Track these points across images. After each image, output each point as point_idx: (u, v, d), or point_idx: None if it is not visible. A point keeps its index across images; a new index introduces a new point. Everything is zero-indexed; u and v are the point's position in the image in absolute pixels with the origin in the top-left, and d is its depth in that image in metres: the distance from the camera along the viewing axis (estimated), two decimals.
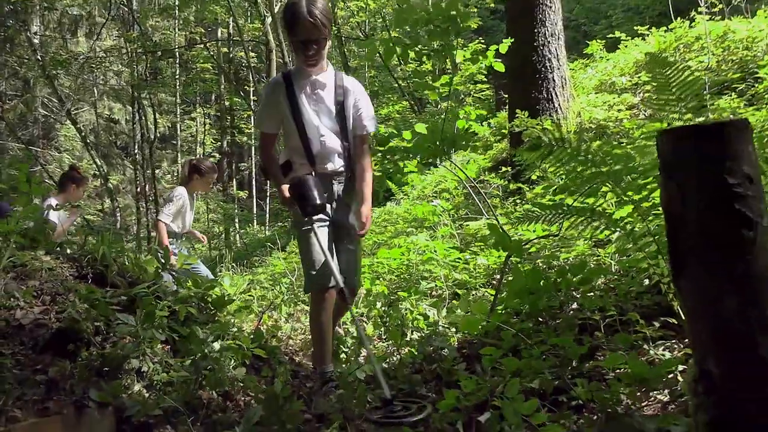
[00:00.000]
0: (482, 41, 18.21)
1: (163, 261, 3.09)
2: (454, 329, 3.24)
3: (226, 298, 3.18)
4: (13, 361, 2.34)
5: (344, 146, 2.92)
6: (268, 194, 20.97)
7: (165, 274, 3.13)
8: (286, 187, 2.87)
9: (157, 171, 20.49)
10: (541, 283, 2.43)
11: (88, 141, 21.52)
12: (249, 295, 4.98)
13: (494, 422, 1.73)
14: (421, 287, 3.60)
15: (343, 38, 18.24)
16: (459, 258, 3.79)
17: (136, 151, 20.65)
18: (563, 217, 2.92)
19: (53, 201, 4.98)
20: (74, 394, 2.17)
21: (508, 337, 2.29)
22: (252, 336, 3.01)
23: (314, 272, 2.82)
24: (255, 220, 21.35)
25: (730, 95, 6.15)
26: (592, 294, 2.65)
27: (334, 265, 2.77)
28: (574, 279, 2.51)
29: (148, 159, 18.04)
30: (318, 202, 2.74)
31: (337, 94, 2.90)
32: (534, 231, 3.42)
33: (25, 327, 2.52)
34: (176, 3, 19.48)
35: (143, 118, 19.00)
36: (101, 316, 2.58)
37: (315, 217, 2.82)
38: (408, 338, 3.29)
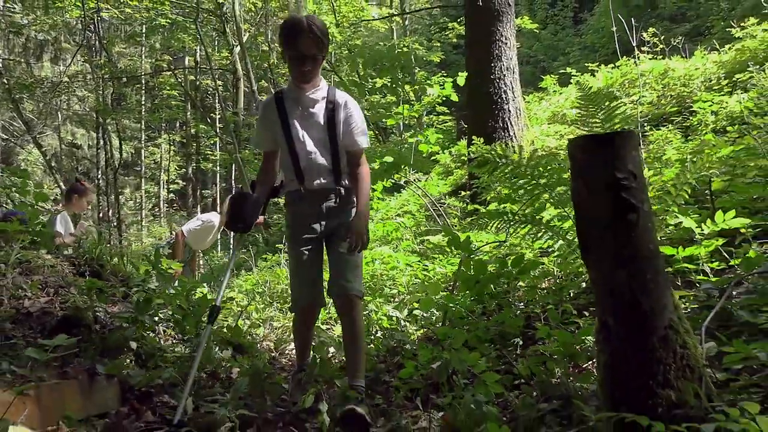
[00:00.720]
0: (444, 74, 19.04)
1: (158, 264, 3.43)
2: (414, 328, 3.63)
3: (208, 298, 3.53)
4: (24, 342, 2.67)
5: (334, 163, 2.90)
6: None
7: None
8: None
9: (120, 197, 20.51)
10: (485, 274, 2.86)
11: (52, 165, 21.52)
12: (225, 306, 5.30)
13: (443, 370, 2.13)
14: (385, 292, 4.01)
15: None
16: (419, 261, 4.21)
17: (99, 176, 20.68)
18: (508, 224, 3.39)
19: (64, 214, 5.28)
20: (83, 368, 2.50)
21: (459, 313, 2.71)
22: (233, 329, 3.35)
23: (294, 294, 2.94)
24: (219, 245, 21.46)
25: (668, 127, 6.78)
26: (537, 294, 3.10)
27: (310, 284, 2.88)
28: (514, 271, 2.95)
29: (112, 184, 18.11)
30: (244, 219, 2.82)
31: (327, 110, 2.89)
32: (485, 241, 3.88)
33: (33, 314, 2.84)
34: (143, 31, 19.77)
35: (108, 143, 19.12)
36: (101, 306, 2.92)
37: (298, 239, 2.89)
38: (373, 336, 3.67)
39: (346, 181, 2.95)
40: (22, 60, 21.07)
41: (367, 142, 2.98)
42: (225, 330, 3.36)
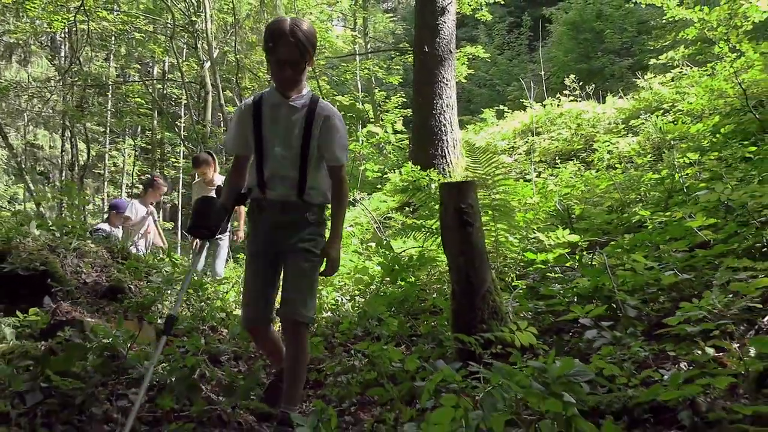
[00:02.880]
0: (403, 95, 20.72)
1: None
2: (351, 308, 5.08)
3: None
4: (86, 302, 4.04)
5: (301, 175, 2.78)
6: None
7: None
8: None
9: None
10: (399, 264, 4.36)
11: (12, 164, 22.36)
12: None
13: (363, 317, 3.60)
14: (334, 283, 5.46)
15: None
16: (361, 260, 5.68)
17: (63, 177, 21.59)
18: (424, 233, 4.91)
19: (136, 202, 7.00)
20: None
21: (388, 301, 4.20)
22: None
23: (242, 311, 2.92)
24: (179, 250, 22.51)
25: (575, 161, 8.43)
26: (430, 278, 4.62)
27: (258, 301, 2.83)
28: (418, 263, 4.45)
29: (78, 185, 19.09)
30: (207, 225, 2.80)
31: (306, 120, 2.76)
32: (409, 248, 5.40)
33: (89, 284, 4.22)
34: (113, 40, 20.87)
35: (75, 146, 20.12)
36: (135, 279, 4.32)
37: (254, 250, 2.88)
38: (324, 314, 5.11)
39: (312, 197, 2.83)
40: None
41: (346, 157, 2.91)
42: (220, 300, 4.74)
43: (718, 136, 6.01)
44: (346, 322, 4.04)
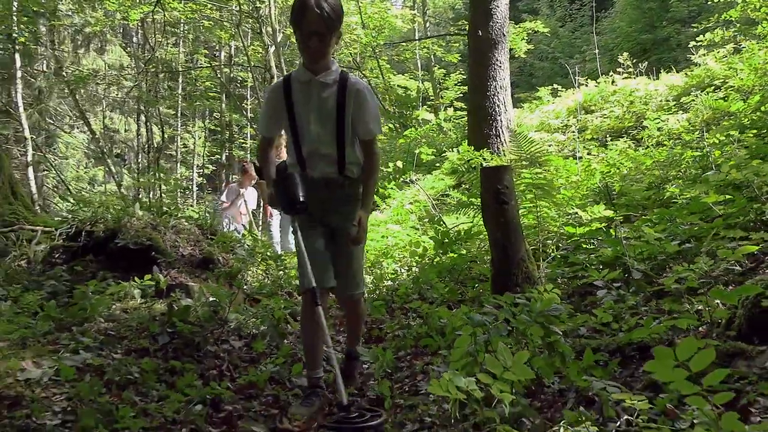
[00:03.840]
0: (462, 71, 21.08)
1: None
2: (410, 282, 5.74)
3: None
4: (185, 271, 4.84)
5: (339, 152, 2.83)
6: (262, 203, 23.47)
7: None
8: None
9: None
10: (448, 237, 4.98)
11: (92, 148, 24.03)
12: None
13: (417, 282, 4.26)
14: (393, 255, 6.13)
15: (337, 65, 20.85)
16: (417, 235, 6.34)
17: (139, 159, 23.04)
18: (474, 209, 5.51)
19: (233, 186, 7.99)
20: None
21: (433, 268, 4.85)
22: None
23: (301, 277, 2.82)
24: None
25: (625, 138, 8.79)
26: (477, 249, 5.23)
27: (315, 268, 2.72)
28: (465, 236, 5.06)
29: (154, 166, 20.43)
30: (300, 200, 2.72)
31: (339, 96, 2.76)
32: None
33: (185, 256, 5.03)
34: (184, 28, 22.01)
35: (150, 129, 21.46)
36: (223, 252, 5.11)
37: (305, 220, 2.84)
38: (384, 282, 5.80)
39: (353, 172, 2.89)
40: (70, 50, 23.40)
41: (380, 129, 2.94)
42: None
43: (758, 113, 6.32)
44: (402, 288, 4.72)
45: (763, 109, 6.26)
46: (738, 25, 9.16)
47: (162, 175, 18.81)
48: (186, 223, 5.41)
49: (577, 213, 5.29)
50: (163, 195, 18.60)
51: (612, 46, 25.79)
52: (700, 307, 2.81)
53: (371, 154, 2.92)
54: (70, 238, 5.12)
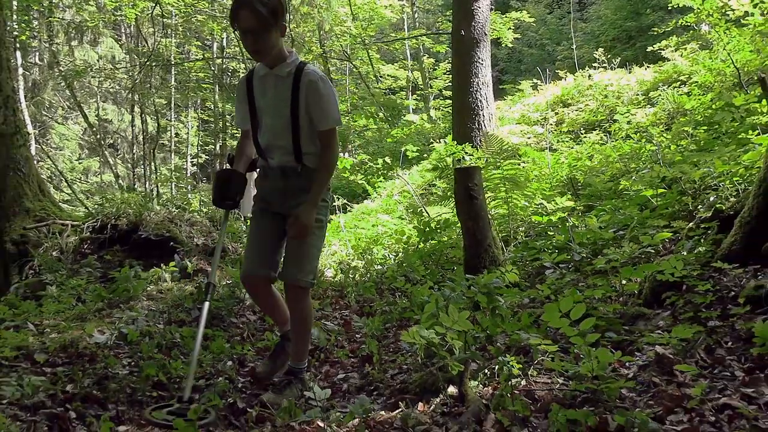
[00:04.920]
0: (449, 61, 21.78)
1: None
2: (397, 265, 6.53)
3: None
4: (202, 258, 5.61)
5: (294, 142, 2.89)
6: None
7: None
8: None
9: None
10: (429, 227, 5.78)
11: (86, 139, 24.66)
12: None
13: (402, 267, 5.04)
14: (381, 242, 6.92)
15: (326, 56, 21.53)
16: (402, 220, 7.12)
17: (134, 150, 23.69)
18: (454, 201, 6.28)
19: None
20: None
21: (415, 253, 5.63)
22: None
23: (242, 263, 3.09)
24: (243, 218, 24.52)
25: (598, 131, 9.57)
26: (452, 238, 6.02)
27: (257, 255, 2.97)
28: (444, 225, 5.85)
29: (150, 156, 21.10)
30: (229, 200, 2.98)
31: (293, 88, 2.84)
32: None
33: (200, 245, 5.80)
34: (175, 21, 22.57)
35: (144, 120, 22.10)
36: (232, 241, 5.88)
37: (257, 209, 3.03)
38: (375, 267, 6.58)
39: (312, 161, 2.95)
40: (63, 43, 23.92)
41: (336, 121, 2.93)
42: None
43: (710, 111, 7.11)
44: (390, 271, 5.51)
45: (714, 106, 7.05)
46: (693, 30, 9.94)
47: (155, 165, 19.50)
48: (198, 216, 6.17)
49: (542, 204, 6.08)
50: (157, 185, 19.33)
51: (598, 33, 26.49)
52: (623, 282, 3.61)
53: (325, 146, 2.94)
54: (96, 230, 5.89)
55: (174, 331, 3.49)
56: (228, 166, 3.13)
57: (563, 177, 6.80)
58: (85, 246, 5.83)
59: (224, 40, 24.36)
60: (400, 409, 2.54)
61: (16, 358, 3.08)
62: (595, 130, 9.70)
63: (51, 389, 2.75)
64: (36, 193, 6.41)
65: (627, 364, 2.64)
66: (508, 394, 2.31)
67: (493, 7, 28.24)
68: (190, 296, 4.03)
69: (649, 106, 9.42)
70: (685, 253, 3.44)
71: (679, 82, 9.58)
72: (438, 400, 2.58)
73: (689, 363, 2.48)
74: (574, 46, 17.84)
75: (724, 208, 3.72)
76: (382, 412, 2.56)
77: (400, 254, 6.49)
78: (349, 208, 10.87)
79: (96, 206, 6.09)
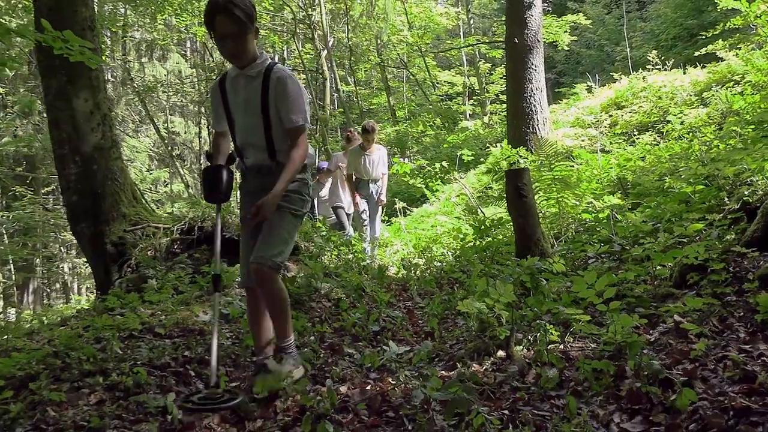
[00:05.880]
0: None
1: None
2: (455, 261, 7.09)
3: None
4: None
5: (267, 140, 2.99)
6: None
7: None
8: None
9: None
10: (484, 225, 6.32)
11: (155, 150, 26.10)
12: None
13: (460, 261, 5.59)
14: (440, 241, 7.48)
15: (384, 65, 22.26)
16: (460, 219, 7.66)
17: (201, 160, 24.93)
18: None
19: (339, 154, 8.72)
20: None
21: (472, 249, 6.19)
22: None
23: (240, 272, 3.30)
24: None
25: (651, 132, 9.89)
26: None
27: (245, 266, 3.13)
28: (493, 224, 6.38)
29: None
30: (220, 192, 3.05)
31: (262, 87, 2.93)
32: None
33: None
34: None
35: (211, 132, 23.34)
36: (305, 241, 6.55)
37: (243, 215, 3.17)
38: (434, 264, 7.15)
39: (284, 158, 3.00)
40: (135, 60, 25.44)
41: (304, 119, 2.98)
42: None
43: (759, 110, 7.40)
44: (448, 266, 6.07)
45: (763, 105, 7.33)
46: (738, 34, 10.13)
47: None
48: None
49: (591, 202, 6.53)
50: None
51: (658, 32, 26.33)
52: (658, 267, 4.08)
53: (295, 145, 2.99)
54: (184, 232, 6.65)
55: None
56: (208, 163, 3.18)
57: (613, 177, 7.21)
58: (176, 246, 6.60)
59: (285, 52, 25.42)
60: (457, 369, 3.11)
61: (141, 332, 3.80)
62: (648, 131, 10.02)
63: (173, 354, 3.45)
64: (130, 199, 7.23)
65: (651, 331, 3.14)
66: (545, 350, 2.85)
67: (550, 9, 28.50)
68: None
69: (702, 106, 9.68)
70: (716, 242, 3.89)
71: (732, 82, 9.80)
72: (489, 361, 3.14)
73: (704, 329, 2.96)
74: (627, 48, 17.93)
75: (751, 201, 4.15)
76: (443, 372, 3.13)
77: (458, 251, 7.04)
78: (408, 212, 11.48)
79: (180, 211, 6.85)
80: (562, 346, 3.14)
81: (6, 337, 4.26)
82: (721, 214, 4.30)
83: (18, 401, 2.90)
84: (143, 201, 7.44)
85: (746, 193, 4.49)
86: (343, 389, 2.99)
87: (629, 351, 2.73)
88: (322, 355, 3.72)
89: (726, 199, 4.86)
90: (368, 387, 3.02)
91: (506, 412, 2.45)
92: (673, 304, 3.58)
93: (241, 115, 3.03)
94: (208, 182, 3.12)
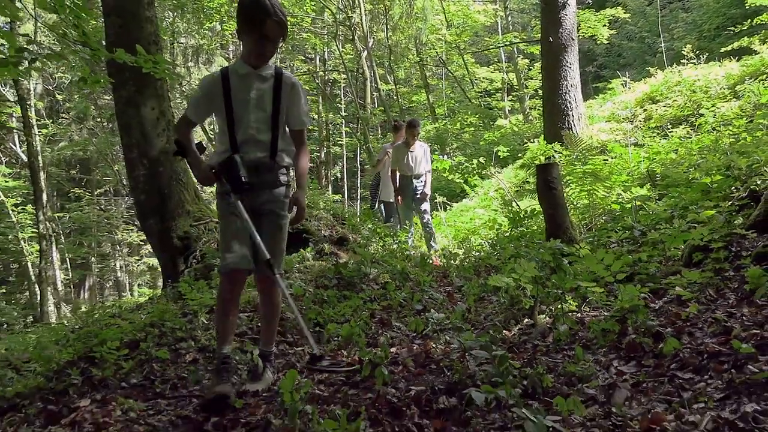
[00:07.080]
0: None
1: None
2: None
3: None
4: (330, 246, 6.97)
5: (273, 139, 3.11)
6: (359, 194, 25.87)
7: None
8: (207, 166, 3.10)
9: None
10: (518, 217, 6.86)
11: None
12: None
13: (496, 247, 6.16)
14: (477, 232, 8.05)
15: (423, 63, 22.81)
16: (495, 216, 8.21)
17: None
18: None
19: (387, 145, 9.37)
20: None
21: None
22: None
23: (227, 254, 3.06)
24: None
25: (684, 125, 10.26)
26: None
27: (237, 250, 3.03)
28: (527, 215, 6.91)
29: None
30: (244, 181, 2.99)
31: (275, 87, 3.09)
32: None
33: (326, 236, 7.16)
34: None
35: None
36: (353, 232, 7.21)
37: (235, 201, 3.03)
38: (472, 252, 7.72)
39: (283, 158, 3.17)
40: (181, 64, 26.52)
41: (309, 121, 3.24)
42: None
43: None
44: (485, 254, 6.65)
45: None
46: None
47: None
48: (324, 213, 7.54)
49: (621, 194, 7.02)
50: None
51: (701, 23, 26.24)
52: (670, 249, 4.59)
53: (301, 143, 3.27)
54: None
55: (321, 293, 4.83)
56: (198, 152, 3.17)
57: (643, 170, 7.67)
58: None
59: (325, 53, 26.21)
60: (489, 335, 3.70)
61: None
62: (681, 124, 10.38)
63: (249, 324, 4.13)
64: (193, 197, 7.99)
65: (656, 301, 3.69)
66: (562, 316, 3.43)
67: (590, 2, 28.60)
68: (330, 269, 5.38)
69: (735, 99, 10.00)
70: (723, 225, 4.38)
71: (765, 75, 10.10)
72: (516, 327, 3.73)
73: (700, 298, 3.50)
74: (662, 42, 18.10)
75: (757, 189, 4.63)
76: (477, 337, 3.73)
77: (494, 240, 7.61)
78: (448, 207, 12.05)
79: None
80: (579, 315, 3.71)
81: (96, 315, 5.04)
82: (730, 201, 4.79)
83: (129, 359, 3.62)
84: (203, 199, 8.19)
85: (757, 182, 4.96)
86: (393, 349, 3.62)
87: (635, 315, 3.30)
88: (373, 327, 4.35)
89: (739, 187, 5.32)
90: (414, 348, 3.64)
91: (526, 359, 3.05)
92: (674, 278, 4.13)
93: (250, 112, 3.09)
94: (232, 175, 3.04)
